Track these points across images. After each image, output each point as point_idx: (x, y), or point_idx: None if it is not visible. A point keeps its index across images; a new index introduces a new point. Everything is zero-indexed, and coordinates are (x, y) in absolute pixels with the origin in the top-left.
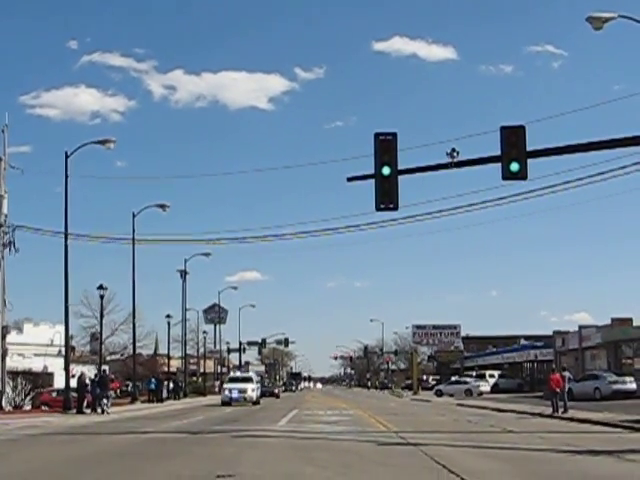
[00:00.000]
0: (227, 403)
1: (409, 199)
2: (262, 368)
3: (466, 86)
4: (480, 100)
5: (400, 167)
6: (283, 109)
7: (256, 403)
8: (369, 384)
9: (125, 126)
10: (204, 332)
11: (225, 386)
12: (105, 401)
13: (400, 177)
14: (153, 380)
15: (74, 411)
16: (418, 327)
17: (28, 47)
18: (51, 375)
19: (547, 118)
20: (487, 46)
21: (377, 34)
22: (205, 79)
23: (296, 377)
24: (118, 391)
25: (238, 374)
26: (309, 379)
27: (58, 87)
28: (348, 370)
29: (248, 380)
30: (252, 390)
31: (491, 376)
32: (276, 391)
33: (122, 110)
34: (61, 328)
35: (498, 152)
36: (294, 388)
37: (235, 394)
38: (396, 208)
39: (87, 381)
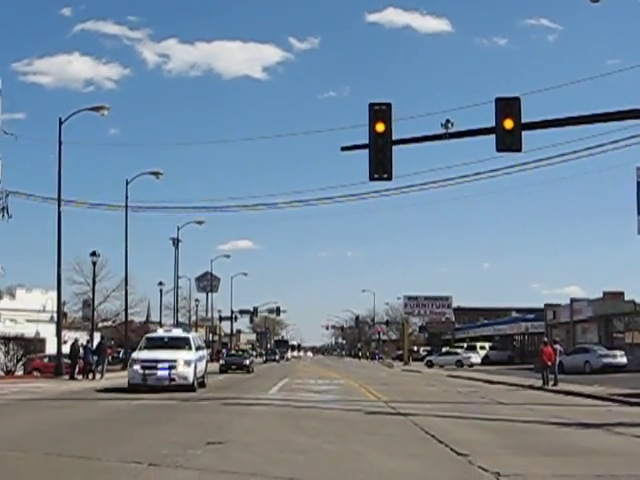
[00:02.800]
0: (138, 387)
1: (403, 170)
2: (253, 336)
3: (460, 58)
4: (474, 72)
5: (394, 137)
6: (277, 79)
7: (195, 387)
8: (360, 354)
9: (119, 94)
10: (196, 300)
11: (135, 356)
12: (100, 368)
13: (394, 147)
14: None
15: (66, 377)
16: (410, 298)
17: (19, 13)
18: (43, 341)
19: (541, 90)
20: (481, 19)
21: (371, 5)
22: (199, 48)
23: (282, 345)
24: (110, 358)
25: (161, 333)
26: (298, 348)
27: (52, 54)
28: (339, 340)
29: (179, 344)
30: (186, 364)
31: (482, 348)
32: (247, 362)
33: (116, 78)
34: (53, 294)
35: (493, 124)
36: (277, 358)
37: (154, 371)
38: (390, 178)
39: (80, 347)
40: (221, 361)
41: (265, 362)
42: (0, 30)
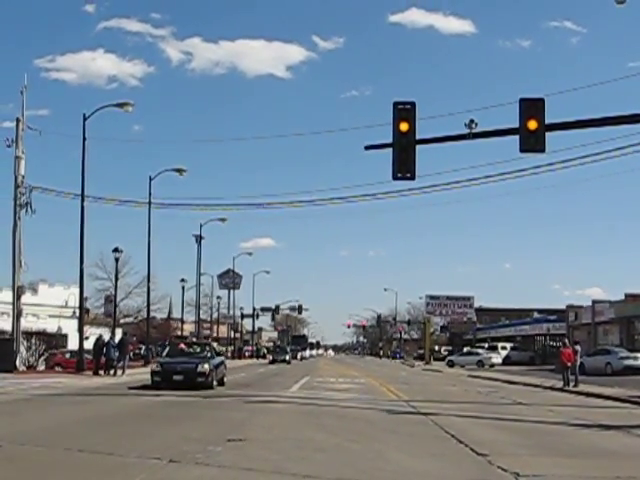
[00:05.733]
0: None
1: (426, 169)
2: (275, 334)
3: (483, 59)
4: (497, 74)
5: (418, 137)
6: (301, 78)
7: None
8: (381, 353)
9: (143, 91)
10: (218, 297)
11: None
12: (122, 364)
13: (418, 147)
14: (166, 345)
15: (88, 372)
16: (432, 297)
17: (41, 11)
18: (65, 336)
19: (563, 92)
20: (505, 20)
21: (394, 5)
22: (223, 47)
23: (299, 342)
24: (131, 354)
25: None
26: (317, 345)
27: (74, 51)
28: (361, 338)
29: None
30: None
31: (503, 348)
32: (203, 369)
33: (140, 75)
34: (76, 290)
35: (515, 125)
36: (288, 358)
37: None
38: (413, 178)
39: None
40: (153, 365)
41: (272, 363)
42: (22, 27)
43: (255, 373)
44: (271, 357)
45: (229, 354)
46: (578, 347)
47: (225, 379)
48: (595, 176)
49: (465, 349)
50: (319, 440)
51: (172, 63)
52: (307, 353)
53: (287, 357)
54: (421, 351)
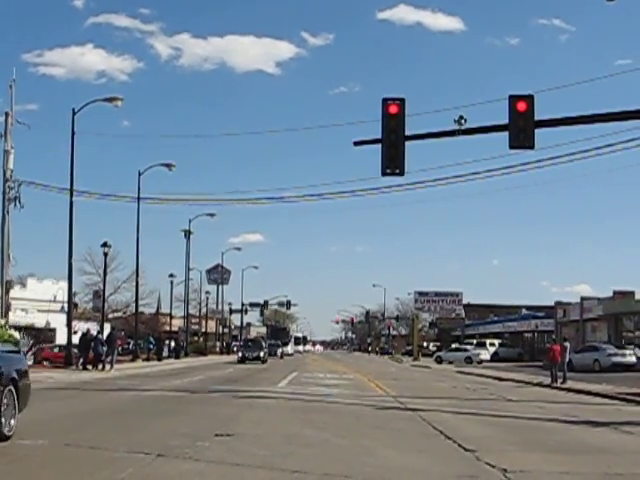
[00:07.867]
0: None
1: (415, 165)
2: (263, 329)
3: (472, 57)
4: (486, 71)
5: (407, 133)
6: (290, 74)
7: None
8: (370, 349)
9: (132, 86)
10: (207, 292)
11: None
12: (110, 358)
13: (407, 143)
14: (151, 339)
15: (76, 367)
16: (420, 293)
17: (28, 5)
18: (53, 331)
19: (552, 89)
20: (494, 18)
21: (382, 2)
22: (212, 43)
23: (280, 335)
24: (120, 349)
25: None
26: (304, 340)
27: (63, 46)
28: (349, 334)
29: None
30: None
31: (491, 344)
32: None
33: (129, 71)
34: (64, 284)
35: (506, 121)
36: (262, 355)
37: None
38: (402, 174)
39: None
40: None
41: (241, 361)
42: (10, 21)
43: (242, 369)
44: (240, 354)
45: (217, 349)
46: (567, 344)
47: (13, 422)
48: (584, 173)
49: (453, 345)
50: (307, 435)
51: (161, 59)
52: (289, 349)
53: (262, 354)
54: (409, 347)
